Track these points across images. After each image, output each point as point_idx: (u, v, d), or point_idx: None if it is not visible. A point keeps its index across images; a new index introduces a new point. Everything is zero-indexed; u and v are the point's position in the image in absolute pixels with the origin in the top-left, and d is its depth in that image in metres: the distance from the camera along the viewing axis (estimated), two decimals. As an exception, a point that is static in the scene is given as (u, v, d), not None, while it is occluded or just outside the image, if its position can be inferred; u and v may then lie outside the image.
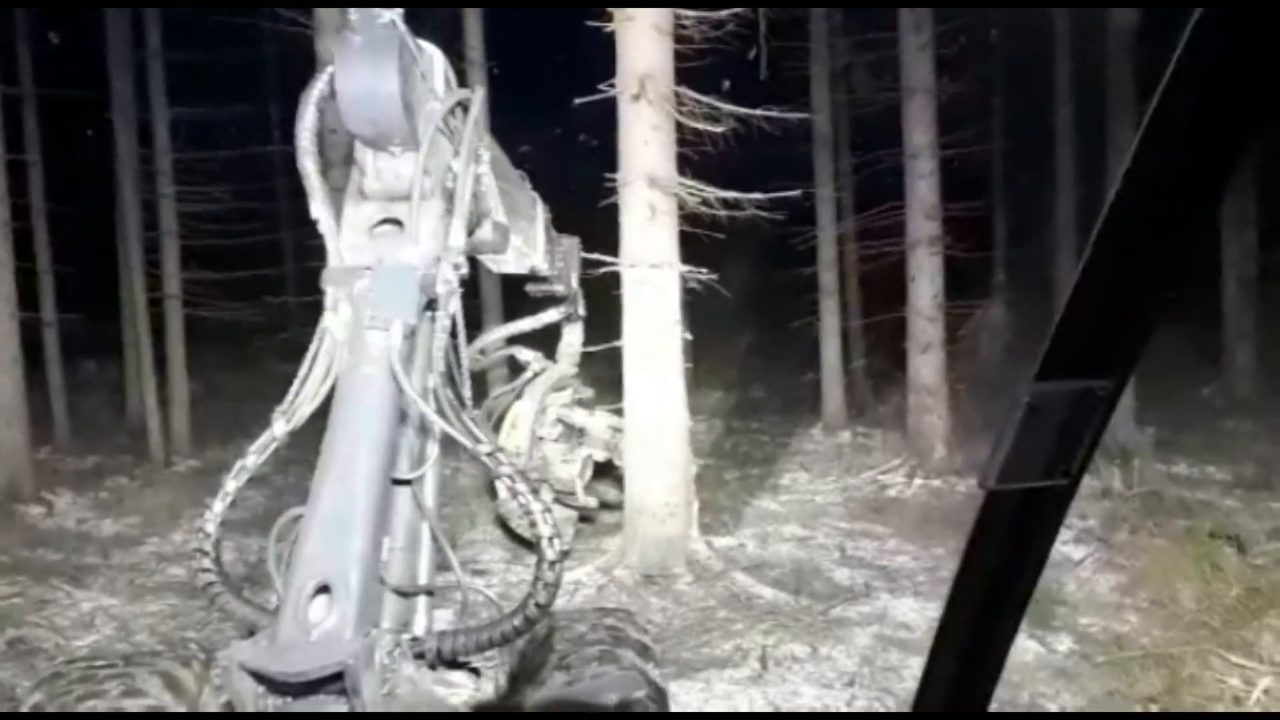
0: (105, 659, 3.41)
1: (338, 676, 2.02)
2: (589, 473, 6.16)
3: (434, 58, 2.62)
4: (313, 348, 2.51)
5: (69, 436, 10.99)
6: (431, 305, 2.46)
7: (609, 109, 6.34)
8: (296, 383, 2.51)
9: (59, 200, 11.04)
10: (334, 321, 2.47)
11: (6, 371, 8.59)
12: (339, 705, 2.06)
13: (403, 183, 2.48)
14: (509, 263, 3.52)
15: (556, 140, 11.53)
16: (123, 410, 12.03)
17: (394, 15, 2.36)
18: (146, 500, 8.82)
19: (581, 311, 5.59)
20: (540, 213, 3.98)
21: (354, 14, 2.35)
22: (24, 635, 5.57)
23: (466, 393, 2.54)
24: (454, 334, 2.51)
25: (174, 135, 11.21)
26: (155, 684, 3.11)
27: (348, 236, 2.53)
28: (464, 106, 2.64)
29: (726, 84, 6.97)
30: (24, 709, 3.14)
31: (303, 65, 8.77)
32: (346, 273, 2.46)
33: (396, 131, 2.43)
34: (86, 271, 11.50)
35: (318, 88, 2.54)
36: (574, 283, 5.16)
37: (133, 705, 3.01)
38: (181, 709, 3.09)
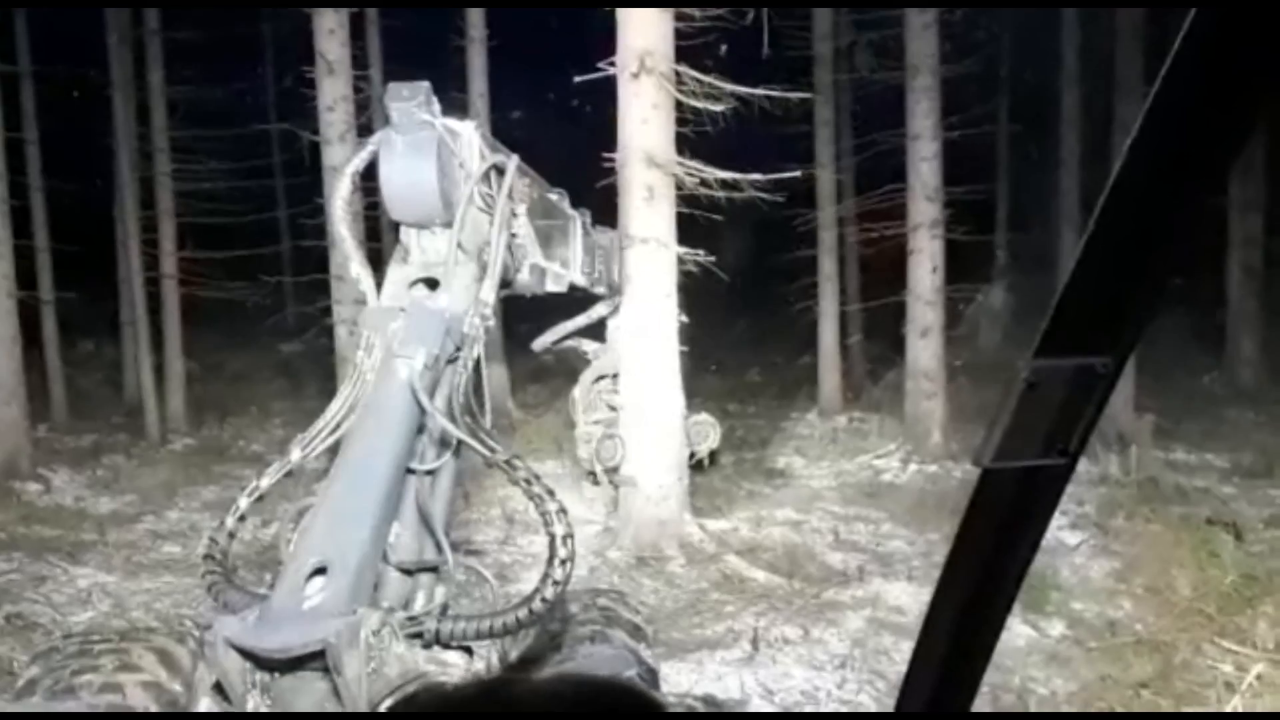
0: (101, 634, 3.43)
1: (323, 653, 2.02)
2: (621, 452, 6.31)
3: (470, 139, 2.82)
4: (344, 384, 2.67)
5: (66, 414, 11.00)
6: (458, 348, 2.68)
7: (607, 80, 6.28)
8: (322, 416, 2.66)
9: (56, 178, 10.98)
10: (366, 363, 2.64)
11: (4, 349, 8.56)
12: (323, 682, 2.07)
13: (442, 255, 2.76)
14: (548, 287, 3.70)
15: (550, 105, 11.49)
16: (120, 388, 12.03)
17: (431, 116, 2.65)
18: (143, 478, 8.83)
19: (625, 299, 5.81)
20: (578, 230, 4.12)
21: (395, 114, 2.64)
22: (21, 611, 5.59)
23: (486, 420, 2.69)
24: (477, 369, 2.73)
25: (171, 113, 11.12)
26: (150, 660, 3.13)
27: (388, 289, 2.79)
28: (499, 170, 2.86)
29: (724, 48, 6.90)
30: (20, 683, 3.15)
31: (300, 42, 8.69)
32: (383, 313, 2.69)
33: (436, 217, 2.73)
34: (84, 250, 11.45)
35: (354, 164, 2.82)
36: (614, 277, 5.40)
37: (128, 680, 3.03)
38: (176, 685, 3.11)
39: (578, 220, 4.17)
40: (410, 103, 2.62)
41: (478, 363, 2.71)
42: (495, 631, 2.38)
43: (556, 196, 3.86)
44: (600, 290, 5.09)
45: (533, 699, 0.59)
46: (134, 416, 10.73)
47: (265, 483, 2.64)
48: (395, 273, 2.82)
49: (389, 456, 2.44)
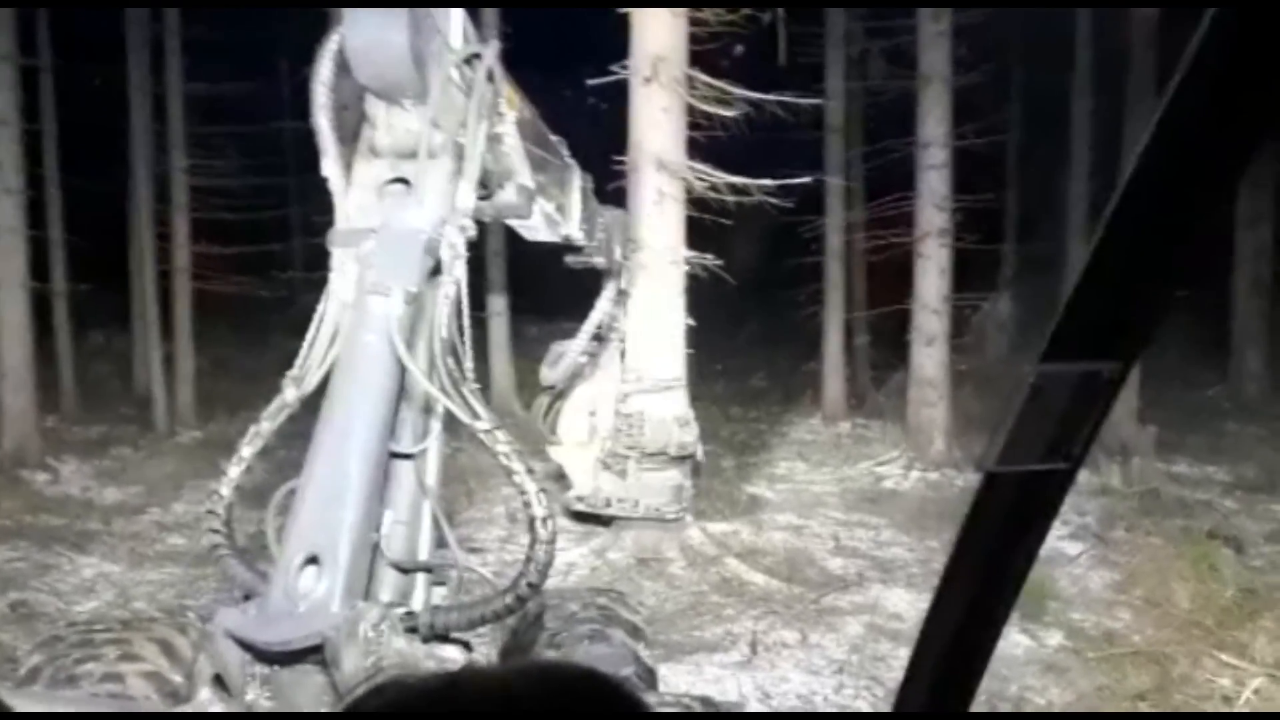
0: (104, 624, 3.44)
1: (322, 647, 2.03)
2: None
3: (450, 12, 2.57)
4: (319, 310, 2.53)
5: (76, 405, 11.04)
6: (437, 270, 2.45)
7: (620, 83, 6.30)
8: (305, 346, 2.53)
9: (72, 171, 11.03)
10: (340, 284, 2.48)
11: (16, 339, 8.62)
12: (321, 676, 2.08)
13: (413, 138, 2.45)
14: (540, 230, 3.46)
15: (562, 107, 11.48)
16: (129, 381, 12.08)
17: None
18: (150, 470, 8.87)
19: (625, 286, 5.60)
20: (577, 181, 3.89)
21: None
22: (26, 599, 5.63)
23: (468, 364, 2.53)
24: (458, 301, 2.50)
25: (188, 109, 11.17)
26: (152, 650, 3.14)
27: (356, 196, 2.51)
28: (480, 58, 2.59)
29: (740, 48, 6.86)
30: (23, 671, 3.17)
31: (316, 40, 8.73)
32: (353, 234, 2.45)
33: (406, 83, 2.39)
34: (97, 242, 11.50)
35: (334, 43, 2.51)
36: (616, 255, 5.11)
37: (129, 670, 3.04)
38: (177, 675, 3.12)
39: (576, 171, 3.87)
40: None
41: (459, 296, 2.46)
42: (486, 618, 2.38)
43: (556, 139, 3.54)
44: (599, 261, 4.85)
45: (484, 693, 0.58)
46: (143, 409, 10.78)
47: (265, 427, 2.53)
48: (363, 172, 2.52)
49: (371, 427, 2.30)
